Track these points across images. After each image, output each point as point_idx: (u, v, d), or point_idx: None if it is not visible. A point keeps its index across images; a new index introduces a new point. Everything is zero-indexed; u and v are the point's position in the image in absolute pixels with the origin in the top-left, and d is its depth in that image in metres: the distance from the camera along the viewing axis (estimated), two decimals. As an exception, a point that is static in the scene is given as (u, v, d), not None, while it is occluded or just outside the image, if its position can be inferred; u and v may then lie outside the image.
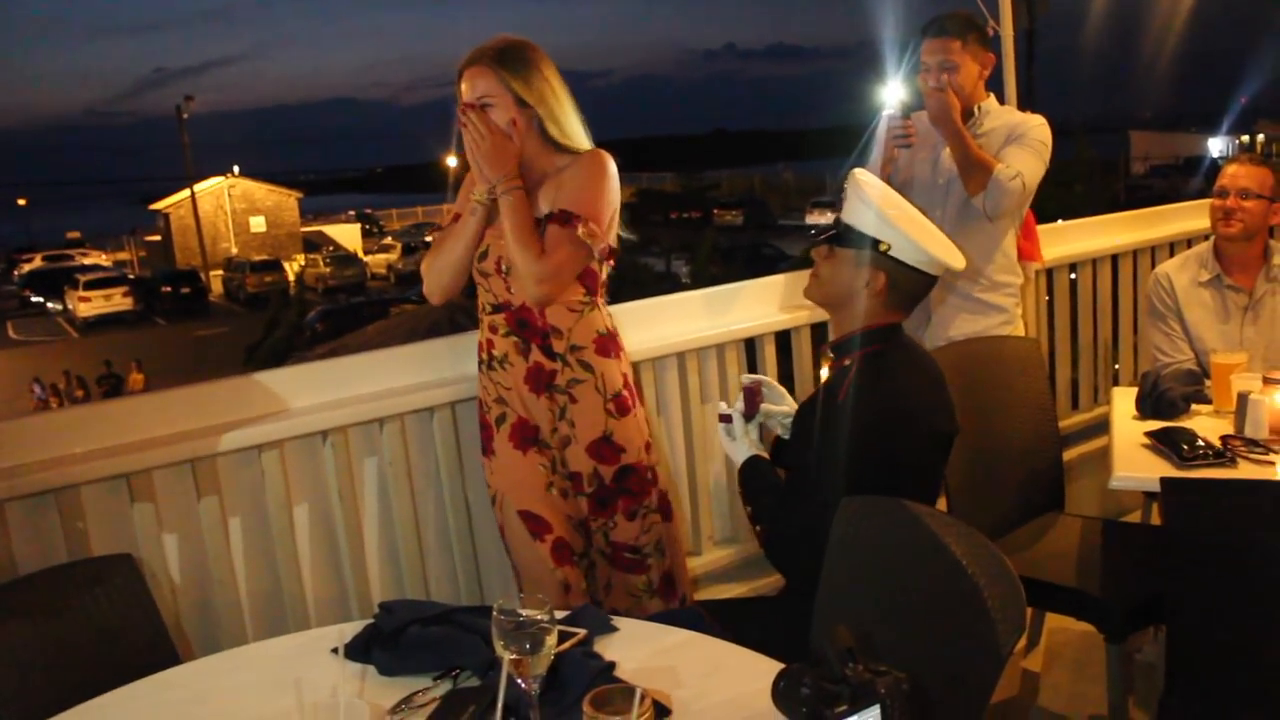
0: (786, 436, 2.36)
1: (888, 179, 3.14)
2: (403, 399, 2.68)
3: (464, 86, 2.42)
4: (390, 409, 2.66)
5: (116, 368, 20.66)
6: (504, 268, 2.43)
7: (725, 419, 2.34)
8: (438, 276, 2.51)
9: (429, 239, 38.39)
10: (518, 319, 2.45)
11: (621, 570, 2.57)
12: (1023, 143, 3.10)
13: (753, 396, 2.34)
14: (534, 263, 2.34)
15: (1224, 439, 2.53)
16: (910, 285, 2.14)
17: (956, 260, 2.17)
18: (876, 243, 2.10)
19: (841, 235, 2.16)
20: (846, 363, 2.14)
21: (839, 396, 2.09)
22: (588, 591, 2.53)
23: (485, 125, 2.37)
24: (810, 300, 2.29)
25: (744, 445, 2.31)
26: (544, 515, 2.46)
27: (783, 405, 2.40)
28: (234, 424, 2.51)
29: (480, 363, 2.53)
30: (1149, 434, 2.60)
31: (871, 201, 2.11)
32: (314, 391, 2.63)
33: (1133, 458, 2.54)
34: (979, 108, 3.17)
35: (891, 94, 3.17)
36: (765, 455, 2.31)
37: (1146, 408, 2.80)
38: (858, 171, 2.20)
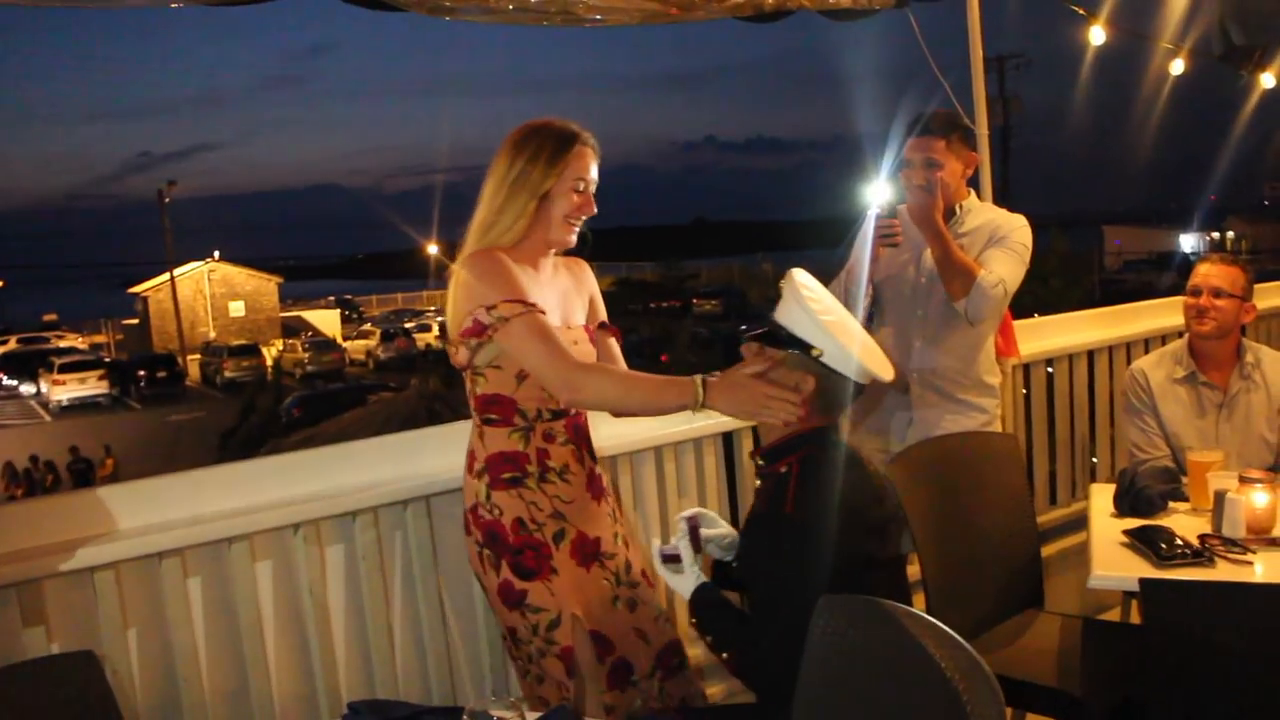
0: (726, 558, 2.33)
1: (872, 278, 3.17)
2: (375, 491, 2.64)
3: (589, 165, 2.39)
4: (363, 501, 2.63)
5: (89, 452, 20.41)
6: None
7: (671, 558, 2.24)
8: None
9: (408, 325, 38.56)
10: (575, 425, 2.40)
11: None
12: (1005, 245, 3.12)
13: (695, 530, 2.28)
14: (621, 378, 2.31)
15: (1202, 538, 2.52)
16: (839, 392, 2.13)
17: (886, 372, 2.17)
18: (809, 347, 2.09)
19: (773, 335, 2.14)
20: (782, 469, 2.14)
21: (785, 508, 2.07)
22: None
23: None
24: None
25: (690, 576, 2.22)
26: (609, 635, 2.39)
27: (719, 529, 2.34)
28: (201, 518, 2.46)
29: (518, 477, 2.33)
30: (1127, 532, 2.59)
31: (808, 306, 2.10)
32: (285, 483, 2.60)
33: (1111, 556, 2.53)
34: (960, 206, 3.20)
35: (877, 192, 3.19)
36: (708, 580, 2.25)
37: (1124, 505, 2.80)
38: (795, 272, 2.19)
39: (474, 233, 2.34)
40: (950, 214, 3.16)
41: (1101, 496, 2.92)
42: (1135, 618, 2.97)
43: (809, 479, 2.08)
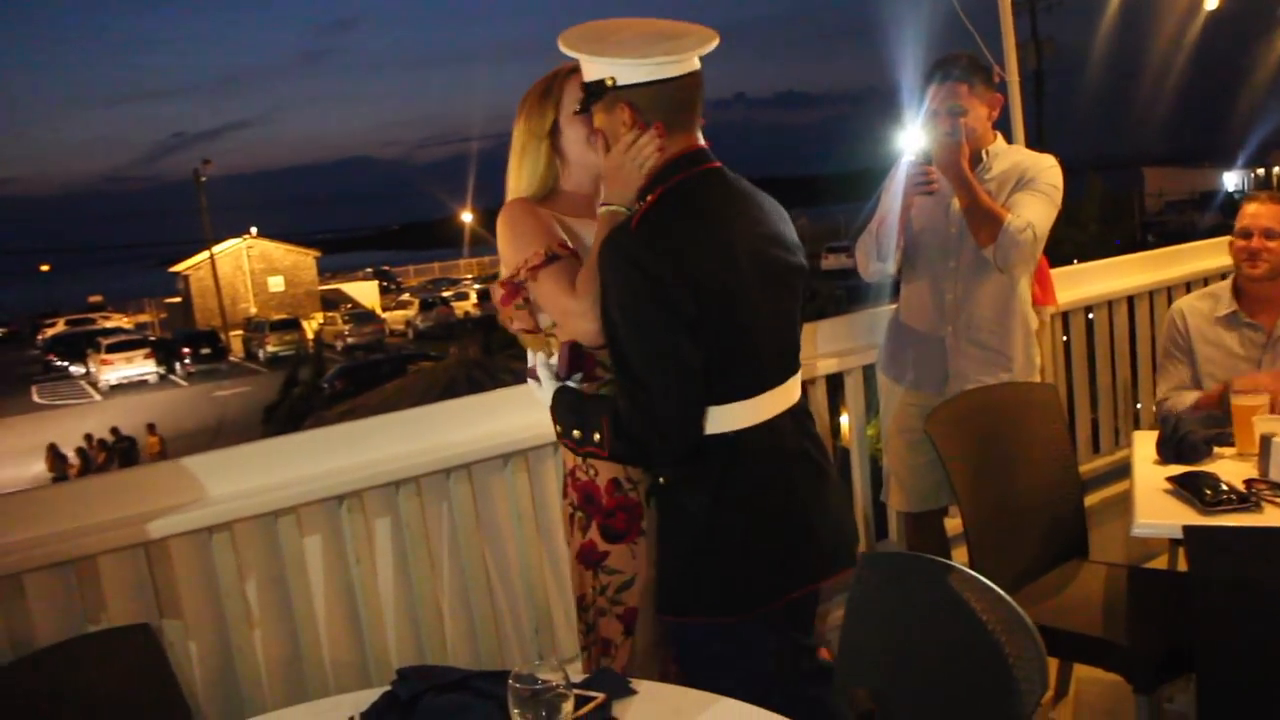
0: None
1: (905, 226, 3.14)
2: (418, 460, 2.67)
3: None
4: (406, 471, 2.66)
5: (136, 430, 20.76)
6: None
7: (533, 374, 2.18)
8: None
9: (446, 294, 38.66)
10: None
11: None
12: (1033, 188, 3.05)
13: (578, 358, 2.13)
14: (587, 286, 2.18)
15: (1248, 483, 2.49)
16: (659, 96, 1.94)
17: (675, 35, 1.96)
18: (599, 84, 1.96)
19: (585, 99, 2.03)
20: (649, 199, 1.96)
21: (631, 227, 1.91)
22: None
23: None
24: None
25: (551, 382, 2.12)
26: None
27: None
28: (250, 491, 2.51)
29: None
30: (1171, 479, 2.56)
31: (572, 53, 1.98)
32: (330, 455, 2.63)
33: (1155, 504, 2.50)
34: (987, 151, 3.14)
35: (910, 140, 3.12)
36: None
37: (1168, 452, 2.76)
38: (561, 37, 2.01)
39: (508, 193, 2.33)
40: (977, 160, 3.11)
41: (1144, 444, 2.88)
42: (1182, 566, 2.95)
43: (665, 202, 1.93)
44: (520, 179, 2.29)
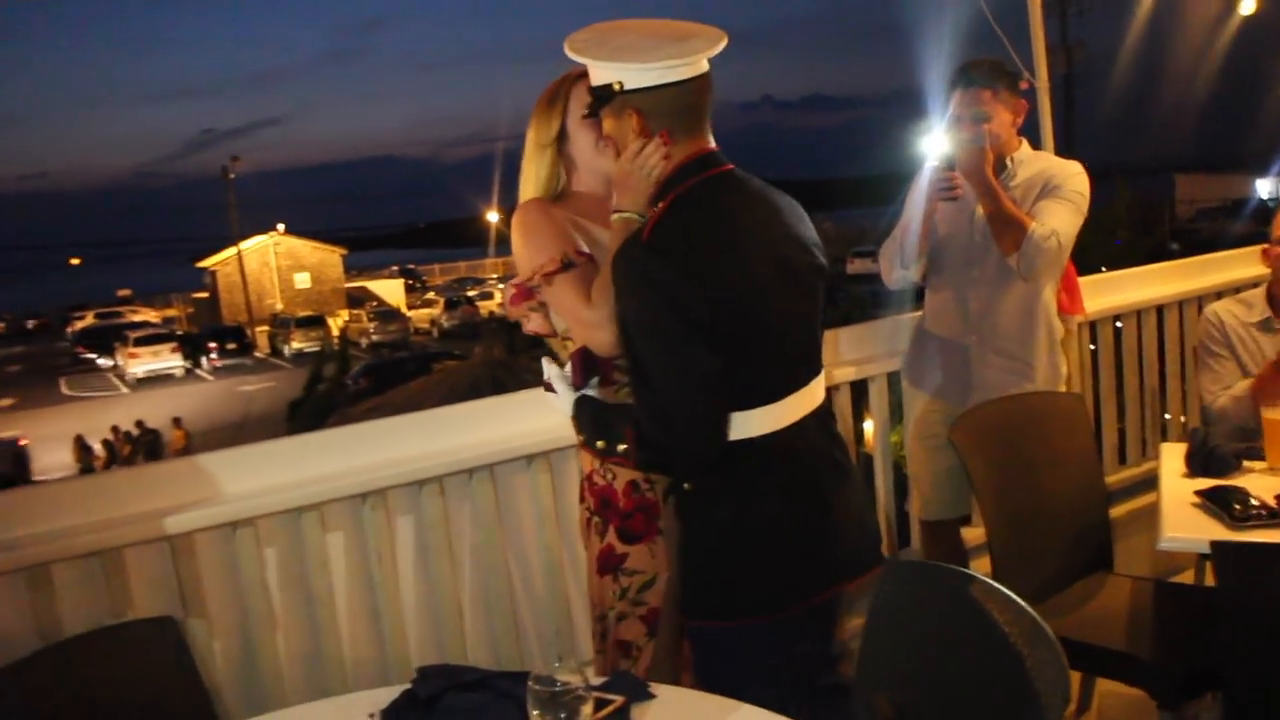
0: None
1: (928, 233, 3.11)
2: (441, 460, 2.68)
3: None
4: (429, 470, 2.67)
5: (161, 423, 20.92)
6: None
7: (550, 387, 2.13)
8: None
9: (471, 293, 38.73)
10: None
11: None
12: (1059, 195, 3.01)
13: (591, 364, 2.13)
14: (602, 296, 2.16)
15: (1278, 498, 2.46)
16: (666, 101, 1.90)
17: (685, 35, 1.92)
18: (606, 89, 1.92)
19: (593, 105, 2.00)
20: (661, 206, 1.92)
21: (644, 235, 1.87)
22: None
23: None
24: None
25: (569, 391, 2.09)
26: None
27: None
28: (275, 487, 2.52)
29: None
30: (1199, 493, 2.53)
31: (580, 56, 1.94)
32: (354, 453, 2.64)
33: (1182, 518, 2.48)
34: (1012, 158, 3.10)
35: (933, 145, 3.08)
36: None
37: (1196, 465, 2.73)
38: (567, 41, 1.97)
39: (520, 198, 2.33)
40: (1001, 167, 3.07)
41: (1172, 456, 2.86)
42: (1210, 580, 2.92)
43: (678, 209, 1.89)
44: (528, 185, 2.30)
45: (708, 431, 1.87)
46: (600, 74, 1.93)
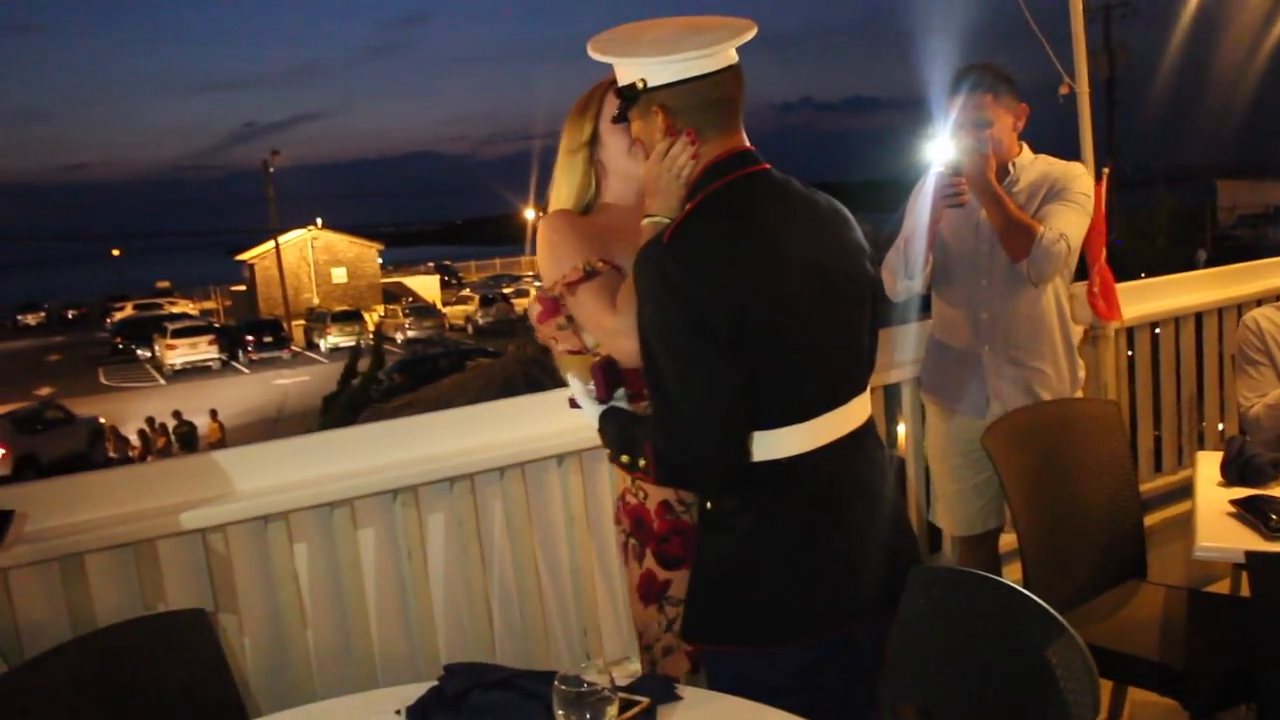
0: None
1: (933, 243, 3.03)
2: (472, 458, 2.69)
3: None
4: (461, 468, 2.68)
5: (196, 415, 21.14)
6: None
7: (575, 403, 2.06)
8: None
9: (506, 290, 38.80)
10: None
11: None
12: (1064, 198, 2.97)
13: (615, 376, 2.03)
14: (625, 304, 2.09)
15: (1315, 509, 2.43)
16: (692, 97, 1.82)
17: (710, 28, 1.83)
18: (632, 87, 1.84)
19: (621, 107, 1.91)
20: (689, 208, 1.84)
21: (665, 239, 1.78)
22: None
23: None
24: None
25: (594, 404, 2.02)
26: None
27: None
28: (307, 481, 2.54)
29: None
30: (1234, 502, 2.51)
31: (606, 57, 1.86)
32: (387, 449, 2.66)
33: (1217, 527, 2.45)
34: (1014, 164, 3.05)
35: (937, 152, 2.98)
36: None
37: (1232, 473, 2.70)
38: (590, 42, 1.90)
39: (549, 205, 2.26)
40: (1004, 172, 3.02)
41: (1208, 464, 2.82)
42: (1245, 591, 2.89)
43: (705, 211, 1.80)
44: (558, 193, 2.24)
45: (725, 450, 1.76)
46: (624, 73, 1.86)
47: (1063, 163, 3.09)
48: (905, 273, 3.01)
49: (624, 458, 1.93)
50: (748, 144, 1.87)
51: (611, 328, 2.01)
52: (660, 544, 2.12)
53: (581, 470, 2.83)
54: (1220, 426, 4.31)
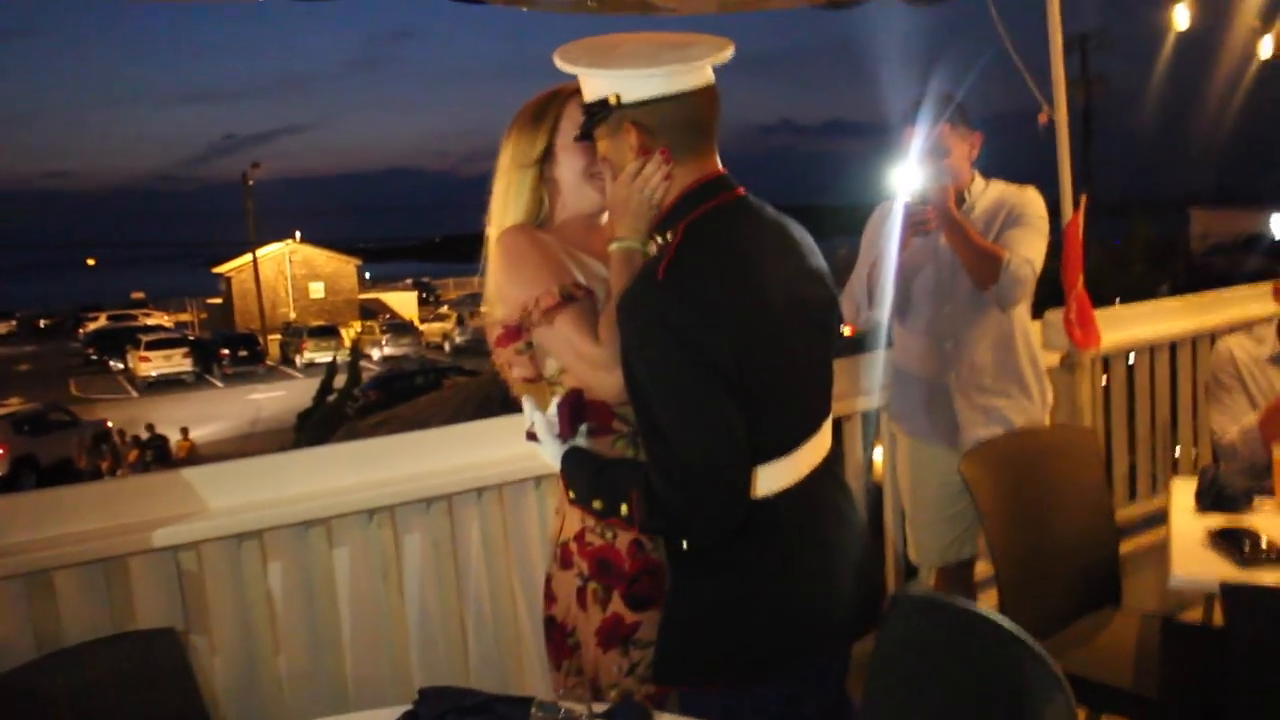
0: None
1: (902, 273, 3.00)
2: (450, 479, 2.67)
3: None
4: (438, 488, 2.66)
5: (166, 429, 20.98)
6: None
7: (533, 436, 1.95)
8: None
9: (485, 309, 38.59)
10: None
11: None
12: (1023, 223, 2.98)
13: (579, 412, 1.92)
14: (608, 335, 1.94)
15: (1289, 539, 2.45)
16: (669, 114, 1.74)
17: (696, 52, 1.75)
18: (603, 103, 1.76)
19: (587, 122, 1.82)
20: (670, 237, 1.76)
21: (658, 275, 1.68)
22: None
23: None
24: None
25: (555, 441, 1.91)
26: None
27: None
28: (279, 502, 2.52)
29: None
30: (1211, 532, 2.52)
31: (573, 68, 1.78)
32: (364, 468, 2.63)
33: (1192, 556, 2.47)
34: (969, 191, 3.06)
35: (905, 178, 2.96)
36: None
37: (1206, 501, 2.73)
38: (556, 51, 1.81)
39: (491, 222, 2.09)
40: (960, 200, 3.01)
41: (1183, 492, 2.84)
42: (1218, 618, 2.90)
43: (693, 242, 1.71)
44: (505, 210, 2.06)
45: (731, 492, 1.68)
46: (596, 86, 1.76)
47: (1016, 187, 3.10)
48: (870, 302, 3.01)
49: (596, 503, 1.84)
50: (721, 168, 1.81)
51: (594, 358, 1.86)
52: (630, 585, 1.96)
53: (559, 493, 2.80)
54: (1194, 453, 4.34)
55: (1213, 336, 4.26)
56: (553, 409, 1.93)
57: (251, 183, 40.56)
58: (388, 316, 41.51)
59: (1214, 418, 3.17)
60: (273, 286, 42.26)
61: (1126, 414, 4.16)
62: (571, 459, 1.88)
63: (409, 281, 60.45)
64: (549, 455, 1.92)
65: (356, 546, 2.62)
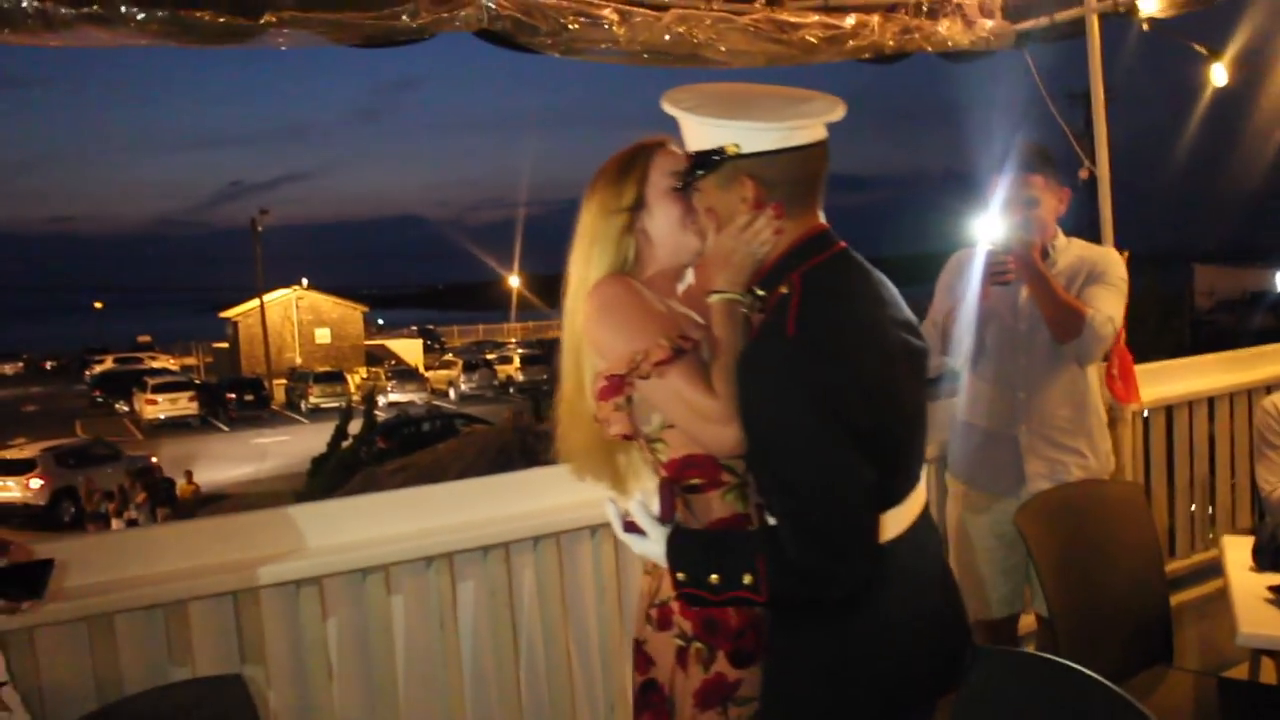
0: None
1: (982, 321, 3.01)
2: (507, 527, 2.67)
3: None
4: (496, 536, 2.66)
5: (171, 472, 20.93)
6: None
7: (632, 527, 1.85)
8: None
9: (489, 356, 38.78)
10: None
11: None
12: (1106, 281, 3.00)
13: (671, 494, 1.90)
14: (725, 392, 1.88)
15: (1352, 597, 2.44)
16: (788, 169, 1.73)
17: (809, 102, 1.76)
18: (719, 151, 1.74)
19: (690, 170, 1.80)
20: (784, 290, 1.73)
21: (786, 330, 1.67)
22: None
23: None
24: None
25: (657, 531, 1.81)
26: None
27: None
28: (341, 546, 2.52)
29: None
30: (1271, 588, 2.51)
31: (691, 115, 1.75)
32: (422, 515, 2.64)
33: (1256, 613, 2.46)
34: (1053, 245, 3.06)
35: (984, 229, 2.97)
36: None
37: (1265, 559, 2.71)
38: (665, 96, 1.80)
39: (571, 277, 2.02)
40: (1044, 254, 3.01)
41: (1236, 549, 2.84)
42: (1264, 675, 2.88)
43: (814, 296, 1.69)
44: (589, 261, 1.99)
45: (870, 539, 1.66)
46: (711, 135, 1.73)
47: (1099, 247, 3.12)
48: (945, 349, 3.02)
49: (714, 577, 1.72)
50: (824, 222, 1.81)
51: (709, 412, 1.79)
52: (736, 641, 1.90)
53: (614, 543, 2.79)
54: (1231, 508, 4.32)
55: (1250, 393, 4.27)
56: (637, 500, 1.86)
57: (260, 229, 40.77)
58: (393, 363, 41.52)
59: (1262, 474, 3.16)
60: (279, 331, 42.31)
61: (1166, 469, 4.14)
62: (679, 537, 1.81)
63: (413, 328, 60.57)
64: (652, 540, 1.82)
65: (413, 593, 2.61)
